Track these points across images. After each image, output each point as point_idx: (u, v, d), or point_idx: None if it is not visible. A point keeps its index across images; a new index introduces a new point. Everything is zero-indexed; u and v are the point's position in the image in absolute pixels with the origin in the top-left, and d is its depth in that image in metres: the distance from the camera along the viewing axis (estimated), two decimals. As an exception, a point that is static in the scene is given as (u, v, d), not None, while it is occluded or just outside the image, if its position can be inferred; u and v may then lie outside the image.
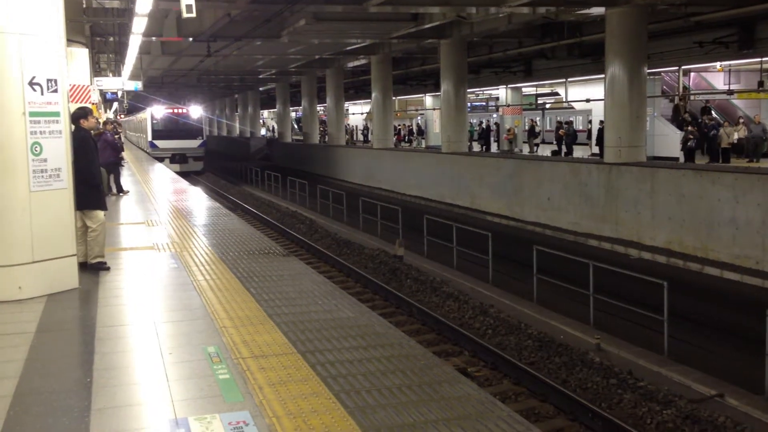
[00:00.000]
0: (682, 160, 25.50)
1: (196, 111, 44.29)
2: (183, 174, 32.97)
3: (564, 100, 34.20)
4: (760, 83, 26.01)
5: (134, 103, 53.77)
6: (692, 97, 31.96)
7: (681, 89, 27.07)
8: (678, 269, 15.55)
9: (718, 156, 24.65)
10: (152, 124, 41.35)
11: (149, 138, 41.67)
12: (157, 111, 42.14)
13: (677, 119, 26.84)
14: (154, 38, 23.55)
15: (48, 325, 6.46)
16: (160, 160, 37.33)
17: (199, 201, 17.03)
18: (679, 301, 11.73)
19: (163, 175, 26.13)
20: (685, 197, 16.10)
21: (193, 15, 10.91)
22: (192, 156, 41.75)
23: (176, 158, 40.68)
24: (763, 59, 23.78)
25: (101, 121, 18.79)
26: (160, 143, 41.01)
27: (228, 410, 4.49)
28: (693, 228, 15.84)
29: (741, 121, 26.56)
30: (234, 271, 8.58)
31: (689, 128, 26.40)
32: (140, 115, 51.15)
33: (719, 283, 14.60)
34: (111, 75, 29.57)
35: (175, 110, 42.88)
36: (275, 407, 4.50)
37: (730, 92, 27.56)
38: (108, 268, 8.62)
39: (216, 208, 15.84)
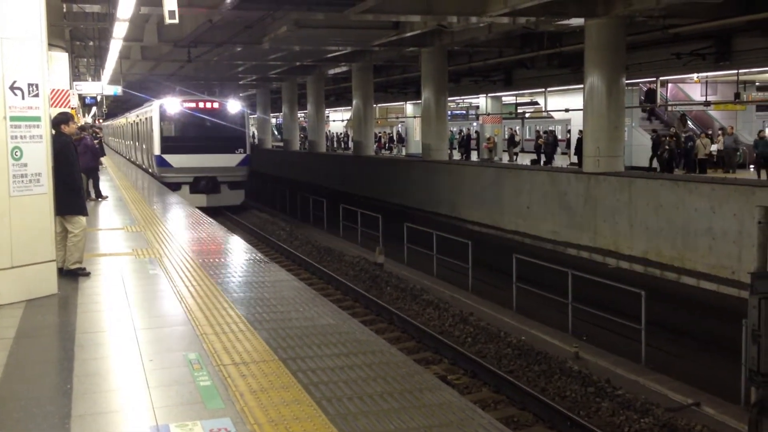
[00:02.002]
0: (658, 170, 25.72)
1: (235, 106, 27.31)
2: (210, 209, 22.93)
3: (543, 109, 34.44)
4: (737, 95, 26.37)
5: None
6: (669, 108, 32.27)
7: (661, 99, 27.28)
8: (655, 279, 15.70)
9: (695, 167, 24.92)
10: (162, 126, 26.10)
11: (156, 150, 25.91)
12: (171, 105, 26.19)
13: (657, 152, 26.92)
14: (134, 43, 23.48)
15: (27, 331, 6.41)
16: (174, 187, 23.65)
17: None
18: (656, 311, 11.85)
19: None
20: (663, 207, 16.27)
21: (176, 21, 10.90)
22: (228, 181, 26.35)
23: (201, 185, 25.66)
24: (740, 71, 24.11)
25: (79, 125, 18.63)
26: (176, 159, 25.65)
27: (209, 417, 4.48)
28: (670, 238, 16.01)
29: (719, 132, 26.89)
30: (214, 277, 8.56)
31: (665, 138, 26.68)
32: (138, 114, 32.95)
33: (696, 293, 14.75)
34: (90, 79, 29.40)
35: (202, 104, 26.90)
36: (257, 414, 4.50)
37: (706, 103, 27.91)
38: (88, 274, 8.56)
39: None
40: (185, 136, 26.68)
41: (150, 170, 28.09)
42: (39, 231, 7.49)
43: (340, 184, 33.72)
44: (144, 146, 30.25)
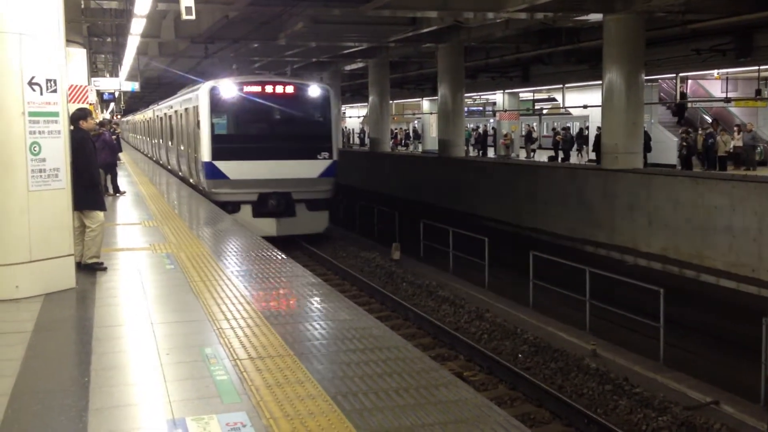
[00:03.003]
0: (678, 167, 25.54)
1: (317, 89, 19.83)
2: (281, 239, 16.99)
3: (561, 105, 34.28)
4: (758, 91, 26.12)
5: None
6: (689, 105, 32.02)
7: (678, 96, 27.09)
8: (674, 276, 15.58)
9: (716, 164, 24.71)
10: (213, 119, 18.86)
11: (205, 155, 18.69)
12: (227, 88, 18.94)
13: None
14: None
15: (45, 325, 6.45)
16: (231, 208, 17.50)
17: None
18: (675, 309, 11.76)
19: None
20: (682, 204, 16.13)
21: (193, 17, 10.96)
22: (307, 198, 19.09)
23: (270, 205, 18.65)
24: (761, 67, 23.87)
25: (98, 121, 18.75)
26: (233, 168, 18.60)
27: (225, 411, 4.48)
28: (689, 235, 15.87)
29: (735, 129, 26.66)
30: (231, 272, 8.58)
31: (683, 135, 26.48)
32: (174, 104, 25.46)
33: (715, 291, 14.63)
34: (108, 75, 29.55)
35: (271, 87, 19.18)
36: (272, 409, 4.50)
37: (727, 100, 27.66)
38: (105, 268, 8.61)
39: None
40: (247, 134, 19.24)
41: (192, 180, 20.65)
42: (57, 226, 7.54)
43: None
44: (184, 149, 22.26)
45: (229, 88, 18.80)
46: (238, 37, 22.95)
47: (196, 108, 19.43)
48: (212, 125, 18.65)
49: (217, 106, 18.72)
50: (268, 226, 18.23)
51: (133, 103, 56.94)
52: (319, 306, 7.09)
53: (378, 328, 6.35)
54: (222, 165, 18.43)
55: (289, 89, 19.14)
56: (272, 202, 18.59)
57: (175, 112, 24.48)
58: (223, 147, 18.61)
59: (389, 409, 4.54)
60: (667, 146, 29.05)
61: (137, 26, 15.48)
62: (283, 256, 9.82)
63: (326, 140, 19.28)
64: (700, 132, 26.53)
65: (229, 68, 29.16)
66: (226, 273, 8.51)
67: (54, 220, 7.51)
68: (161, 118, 29.61)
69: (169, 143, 26.72)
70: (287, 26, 21.66)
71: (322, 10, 19.20)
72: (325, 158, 19.13)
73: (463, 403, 4.69)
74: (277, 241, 13.48)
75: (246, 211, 18.38)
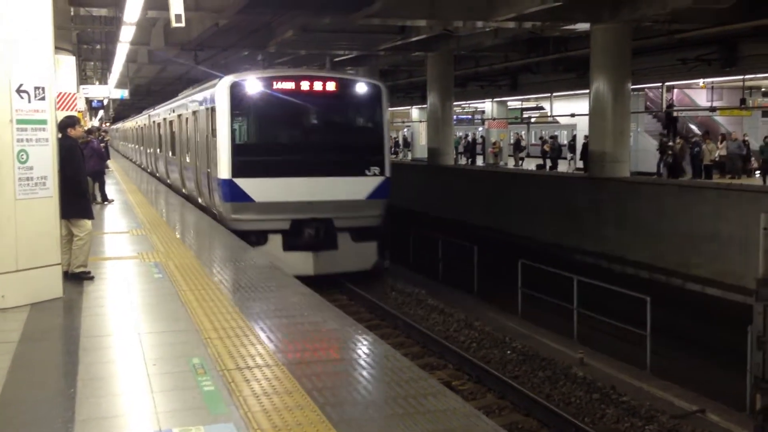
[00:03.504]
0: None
1: (365, 85, 15.80)
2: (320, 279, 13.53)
3: (549, 114, 34.42)
4: (743, 100, 26.33)
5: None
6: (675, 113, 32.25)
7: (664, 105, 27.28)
8: (660, 284, 15.64)
9: (701, 172, 24.87)
10: (234, 124, 15.10)
11: (223, 171, 14.87)
12: (253, 84, 15.10)
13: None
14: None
15: (32, 335, 6.41)
16: (254, 238, 14.07)
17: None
18: (662, 317, 11.81)
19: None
20: (668, 213, 16.22)
21: (182, 24, 10.95)
22: (352, 227, 15.31)
23: (305, 235, 14.91)
24: (746, 77, 24.07)
25: (86, 128, 18.69)
26: (259, 188, 14.88)
27: (212, 422, 4.47)
28: (675, 243, 15.95)
29: (720, 137, 26.87)
30: (219, 281, 8.56)
31: (669, 143, 26.64)
32: (178, 106, 21.30)
33: (701, 299, 14.70)
34: (97, 83, 29.48)
35: (307, 84, 15.24)
36: (260, 420, 4.49)
37: (712, 109, 27.87)
38: (92, 278, 8.57)
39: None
40: (277, 144, 15.49)
41: (200, 200, 17.09)
42: (44, 234, 7.50)
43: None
44: (190, 161, 18.52)
45: (254, 85, 14.79)
46: (228, 45, 22.95)
47: (210, 110, 15.47)
48: (233, 132, 14.66)
49: (239, 107, 14.86)
50: (303, 262, 14.37)
51: (123, 110, 56.80)
52: (307, 315, 7.08)
53: (367, 338, 6.35)
54: (245, 184, 14.44)
55: (331, 86, 15.10)
56: (308, 231, 14.61)
57: (179, 116, 20.58)
58: (246, 161, 14.63)
59: (377, 420, 4.55)
60: (654, 155, 29.21)
61: (126, 34, 15.46)
62: (273, 264, 9.79)
63: (377, 151, 15.33)
64: (678, 140, 26.70)
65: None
66: (215, 282, 8.50)
67: (41, 228, 7.47)
68: (159, 125, 25.71)
69: (169, 154, 22.74)
70: (277, 34, 21.68)
71: (312, 18, 19.24)
72: (375, 174, 15.17)
73: (451, 412, 4.70)
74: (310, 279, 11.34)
75: (275, 242, 14.46)
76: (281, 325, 6.68)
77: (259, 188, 14.61)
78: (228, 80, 15.06)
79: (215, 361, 5.57)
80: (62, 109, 14.20)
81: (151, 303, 7.67)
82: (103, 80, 29.18)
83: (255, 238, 13.90)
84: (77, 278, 8.45)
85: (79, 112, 18.80)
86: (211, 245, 11.91)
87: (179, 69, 30.69)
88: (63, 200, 7.84)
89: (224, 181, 14.64)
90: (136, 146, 37.49)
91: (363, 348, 6.01)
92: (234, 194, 14.55)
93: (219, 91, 15.00)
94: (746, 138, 27.70)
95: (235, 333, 6.35)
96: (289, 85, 14.89)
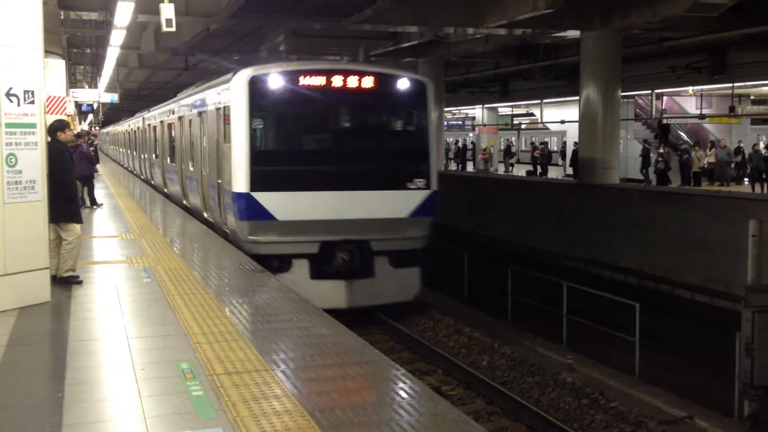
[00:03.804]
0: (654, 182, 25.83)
1: (407, 83, 13.21)
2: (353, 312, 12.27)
3: (539, 120, 34.53)
4: (731, 108, 26.50)
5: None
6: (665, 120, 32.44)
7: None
8: (650, 291, 15.69)
9: (690, 179, 25.01)
10: (254, 126, 12.61)
11: (239, 184, 12.41)
12: (276, 78, 12.54)
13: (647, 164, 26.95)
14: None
15: (19, 339, 6.38)
16: (277, 263, 12.07)
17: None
18: (651, 323, 11.85)
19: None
20: (657, 219, 16.28)
21: (173, 29, 10.96)
22: (391, 250, 12.99)
23: (337, 260, 12.55)
24: (735, 84, 24.23)
25: (75, 132, 18.63)
26: (282, 203, 12.48)
27: (201, 427, 4.46)
28: (665, 250, 16.01)
29: (709, 144, 27.05)
30: (208, 286, 8.54)
31: (660, 150, 26.80)
32: (181, 106, 18.72)
33: (690, 305, 14.75)
34: (87, 87, 29.40)
35: (340, 78, 12.76)
36: (249, 424, 4.48)
37: (701, 116, 28.03)
38: (80, 282, 8.54)
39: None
40: (304, 151, 13.30)
41: (207, 215, 15.02)
42: (33, 238, 7.47)
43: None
44: (194, 170, 16.40)
45: (277, 80, 12.43)
46: (219, 49, 22.95)
47: (222, 110, 13.32)
48: (252, 137, 12.35)
49: (259, 106, 12.55)
50: (334, 292, 12.30)
51: (112, 114, 56.64)
52: (297, 320, 7.07)
53: (356, 343, 6.35)
54: (265, 199, 12.21)
55: (368, 81, 12.80)
56: (341, 255, 12.41)
57: (180, 119, 18.36)
58: (267, 171, 12.37)
59: (366, 425, 4.54)
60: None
61: (117, 38, 15.46)
62: (262, 269, 9.76)
63: (422, 160, 13.12)
64: (663, 148, 26.90)
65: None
66: (204, 287, 8.47)
67: (30, 232, 7.44)
68: (155, 128, 23.48)
69: (168, 161, 20.54)
70: (268, 39, 21.69)
71: (302, 23, 19.27)
72: (420, 187, 12.92)
73: (440, 417, 4.71)
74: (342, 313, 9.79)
75: (301, 269, 12.34)
76: (270, 329, 6.67)
77: (282, 204, 12.30)
78: (246, 74, 12.47)
79: (204, 366, 5.55)
80: (52, 113, 14.18)
81: (140, 307, 7.64)
82: (93, 84, 29.10)
83: (277, 263, 11.91)
84: (66, 282, 8.42)
85: (68, 116, 18.76)
86: (200, 249, 11.88)
87: (169, 73, 30.67)
88: (52, 204, 7.81)
89: (240, 195, 12.27)
90: (129, 151, 34.96)
91: (352, 353, 6.00)
92: (252, 211, 12.18)
93: (235, 88, 12.53)
94: (741, 145, 27.86)
95: (224, 337, 6.33)
96: (319, 81, 12.56)
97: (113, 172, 33.83)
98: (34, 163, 7.43)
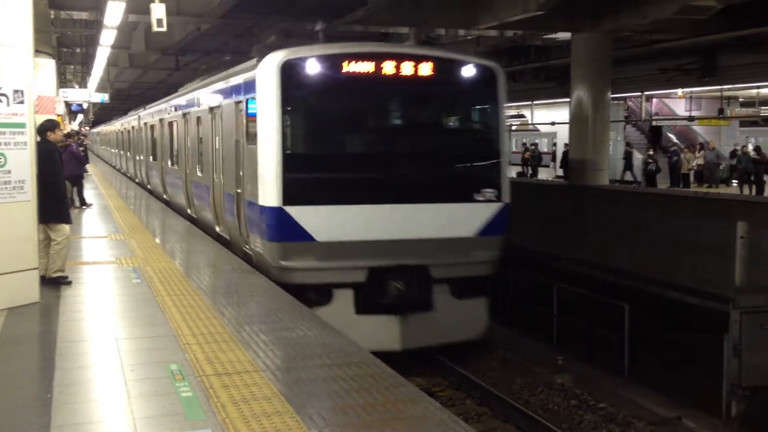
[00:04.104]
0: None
1: (473, 70, 10.82)
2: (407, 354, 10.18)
3: (530, 122, 34.60)
4: (721, 110, 26.65)
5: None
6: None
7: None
8: (640, 292, 15.73)
9: (679, 181, 25.13)
10: (287, 123, 10.20)
11: (267, 196, 10.02)
12: (313, 65, 10.11)
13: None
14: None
15: (8, 340, 6.36)
16: (314, 294, 9.84)
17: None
18: (640, 324, 11.89)
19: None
20: (647, 221, 16.33)
21: (164, 29, 10.94)
22: (455, 277, 10.56)
23: (390, 290, 10.15)
24: (724, 87, 24.36)
25: (65, 132, 18.55)
26: (322, 219, 10.07)
27: (190, 428, 4.45)
28: (654, 252, 16.07)
29: (698, 146, 27.20)
30: (198, 286, 8.52)
31: (649, 152, 26.93)
32: (194, 98, 15.40)
33: (680, 307, 14.80)
34: (77, 86, 29.30)
35: (392, 64, 10.35)
36: (238, 426, 4.48)
37: (690, 119, 28.16)
38: (69, 282, 8.51)
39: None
40: (348, 154, 11.17)
41: (221, 231, 12.79)
42: (22, 238, 7.45)
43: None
44: (203, 176, 14.15)
45: (316, 66, 10.11)
46: (209, 50, 22.92)
47: (243, 105, 11.03)
48: (284, 137, 10.05)
49: (294, 98, 10.27)
50: (386, 330, 10.11)
51: (102, 114, 56.46)
52: (287, 321, 7.07)
53: (346, 344, 6.35)
54: (302, 215, 9.93)
55: (427, 69, 10.49)
56: (394, 285, 10.15)
57: (184, 116, 16.23)
58: (304, 180, 10.17)
59: (356, 426, 4.55)
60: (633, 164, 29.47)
61: (107, 37, 15.42)
62: (251, 269, 9.75)
63: (491, 165, 10.88)
64: (649, 151, 27.07)
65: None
66: (193, 287, 8.46)
67: (19, 232, 7.42)
68: (152, 127, 21.49)
69: (168, 164, 18.44)
70: (259, 39, 21.65)
71: (294, 24, 19.24)
72: (489, 199, 10.65)
73: (430, 418, 4.71)
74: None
75: (343, 301, 10.09)
76: (260, 330, 6.67)
77: (322, 221, 10.00)
78: (277, 59, 10.11)
79: (193, 367, 5.55)
80: (41, 113, 14.11)
81: (129, 308, 7.62)
82: (83, 84, 29.02)
83: (315, 294, 9.78)
84: (54, 283, 8.39)
85: (58, 115, 18.69)
86: (190, 250, 11.86)
87: (160, 73, 30.59)
88: (41, 204, 7.79)
89: (269, 210, 9.95)
90: (122, 152, 32.63)
91: (342, 355, 6.00)
92: (285, 230, 9.91)
93: (263, 76, 10.23)
94: (737, 147, 27.96)
95: (213, 339, 6.33)
96: (367, 67, 10.25)
97: (104, 173, 33.67)
98: (24, 163, 7.41)
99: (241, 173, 11.18)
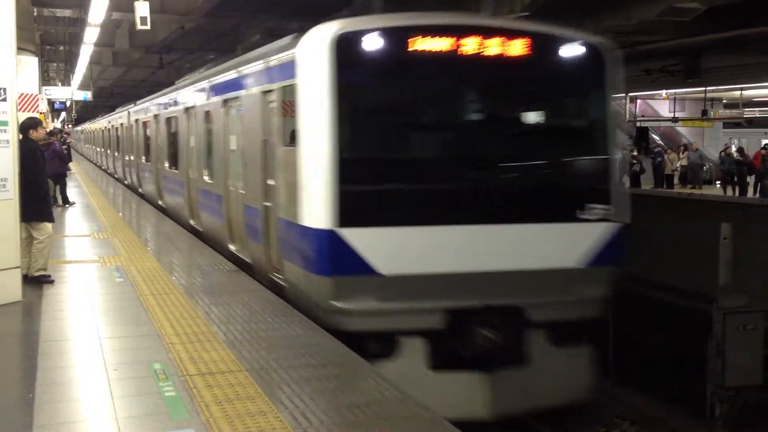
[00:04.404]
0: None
1: (578, 50, 8.28)
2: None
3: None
4: (704, 112, 26.86)
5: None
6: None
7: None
8: (624, 292, 15.79)
9: (663, 182, 25.29)
10: (343, 116, 7.44)
11: (310, 215, 7.56)
12: (374, 41, 7.54)
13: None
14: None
15: (-11, 339, 6.31)
16: (376, 345, 7.33)
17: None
18: (624, 324, 11.94)
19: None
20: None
21: (148, 27, 10.87)
22: (556, 320, 7.93)
23: (474, 338, 7.59)
24: (708, 88, 24.53)
25: (48, 130, 18.41)
26: (386, 246, 7.46)
27: (174, 428, 4.43)
28: (638, 252, 16.13)
29: (681, 147, 27.38)
30: (182, 285, 8.48)
31: (633, 153, 27.08)
32: (204, 88, 12.60)
33: (664, 307, 14.88)
34: (60, 84, 29.12)
35: (472, 41, 7.72)
36: (222, 426, 4.45)
37: (675, 120, 28.35)
38: (52, 281, 8.45)
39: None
40: (421, 159, 8.30)
41: (245, 255, 10.12)
42: (4, 237, 7.39)
43: None
44: (219, 184, 11.53)
45: (377, 42, 7.70)
46: (193, 48, 22.83)
47: (273, 96, 8.82)
48: (340, 136, 7.53)
49: (353, 84, 7.80)
50: (470, 391, 7.76)
51: (85, 112, 56.13)
52: (271, 321, 7.04)
53: (331, 344, 6.33)
54: (363, 239, 7.52)
55: (519, 47, 8.10)
56: (481, 332, 7.76)
57: (186, 110, 13.99)
58: (365, 193, 7.73)
59: (339, 426, 4.53)
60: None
61: (91, 35, 15.32)
62: (236, 268, 9.71)
63: (602, 174, 8.34)
64: (635, 152, 27.24)
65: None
66: (177, 287, 8.42)
67: (1, 231, 7.36)
68: (145, 124, 19.60)
69: (165, 166, 16.42)
70: (244, 38, 21.58)
71: (279, 22, 19.18)
72: (602, 218, 8.13)
73: (414, 418, 4.71)
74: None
75: (413, 354, 7.71)
76: (244, 330, 6.64)
77: (389, 248, 7.53)
78: (329, 32, 7.70)
79: (177, 367, 5.52)
80: (24, 111, 14.00)
81: (112, 307, 7.57)
82: (66, 82, 28.84)
83: (376, 344, 7.39)
84: (37, 282, 8.33)
85: (41, 113, 18.55)
86: (174, 249, 11.79)
87: (144, 71, 30.44)
88: (23, 203, 7.73)
89: (318, 234, 7.51)
90: (108, 152, 30.33)
91: (327, 354, 5.99)
92: (339, 260, 7.46)
93: (309, 54, 7.80)
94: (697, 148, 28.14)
95: (197, 338, 6.30)
96: (442, 44, 7.80)
97: (88, 171, 33.49)
98: (6, 161, 7.35)
99: (270, 182, 8.78)
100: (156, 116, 17.77)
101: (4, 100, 7.28)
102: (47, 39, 22.58)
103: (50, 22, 18.41)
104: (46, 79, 27.74)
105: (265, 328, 6.77)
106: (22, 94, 14.20)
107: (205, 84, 12.63)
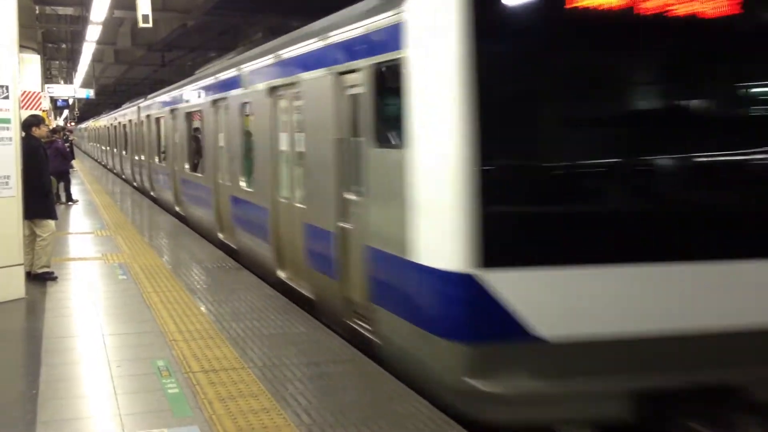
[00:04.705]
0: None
1: None
2: None
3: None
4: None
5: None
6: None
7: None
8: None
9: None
10: (483, 102, 4.60)
11: (428, 250, 4.96)
12: None
13: None
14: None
15: (-8, 336, 6.33)
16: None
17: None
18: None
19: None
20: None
21: (150, 25, 10.88)
22: None
23: None
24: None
25: (50, 128, 18.42)
26: (550, 294, 4.71)
27: (177, 425, 4.44)
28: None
29: None
30: (185, 283, 8.50)
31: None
32: (233, 77, 10.49)
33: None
34: (62, 82, 29.15)
35: None
36: (225, 423, 4.47)
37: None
38: (55, 278, 8.47)
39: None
40: (612, 167, 5.17)
41: (304, 288, 7.65)
42: (7, 235, 7.41)
43: None
44: (261, 194, 9.12)
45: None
46: (195, 46, 22.85)
47: (358, 77, 6.18)
48: (481, 134, 4.73)
49: (499, 55, 4.94)
50: None
51: (87, 110, 56.22)
52: (275, 318, 7.06)
53: (334, 341, 6.34)
54: (518, 287, 4.76)
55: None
56: (690, 427, 4.81)
57: (214, 103, 11.65)
58: (522, 217, 4.93)
59: (342, 424, 4.54)
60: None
61: (93, 33, 15.34)
62: (238, 265, 9.72)
63: None
64: None
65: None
66: (180, 284, 8.43)
67: (4, 229, 7.38)
68: (159, 120, 17.61)
69: (186, 169, 14.20)
70: (245, 36, 21.62)
71: (281, 21, 19.21)
72: None
73: (418, 416, 4.71)
74: None
75: None
76: (247, 327, 6.65)
77: (556, 300, 4.87)
78: None
79: (180, 364, 5.53)
80: (26, 108, 14.05)
81: (116, 304, 7.59)
82: (69, 79, 28.88)
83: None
84: (40, 279, 8.35)
85: (43, 111, 18.59)
86: (177, 247, 11.80)
87: (146, 69, 30.47)
88: (26, 200, 7.76)
89: (450, 279, 4.93)
90: (115, 151, 28.03)
91: (330, 352, 6.00)
92: (482, 320, 4.83)
93: (428, 10, 5.16)
94: None
95: (200, 335, 6.31)
96: None
97: (91, 169, 33.51)
98: (9, 159, 7.37)
99: (349, 196, 6.51)
100: (173, 111, 15.33)
101: (7, 97, 7.30)
102: (49, 37, 22.61)
103: (52, 20, 18.44)
104: (48, 77, 27.80)
105: (269, 325, 6.78)
106: (24, 91, 14.24)
107: (242, 69, 10.18)
